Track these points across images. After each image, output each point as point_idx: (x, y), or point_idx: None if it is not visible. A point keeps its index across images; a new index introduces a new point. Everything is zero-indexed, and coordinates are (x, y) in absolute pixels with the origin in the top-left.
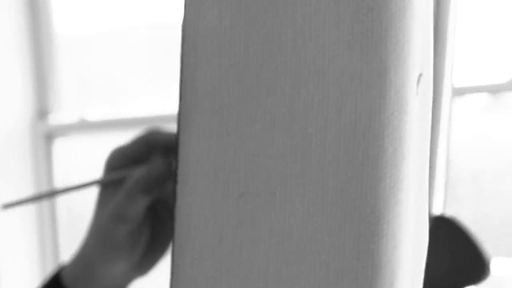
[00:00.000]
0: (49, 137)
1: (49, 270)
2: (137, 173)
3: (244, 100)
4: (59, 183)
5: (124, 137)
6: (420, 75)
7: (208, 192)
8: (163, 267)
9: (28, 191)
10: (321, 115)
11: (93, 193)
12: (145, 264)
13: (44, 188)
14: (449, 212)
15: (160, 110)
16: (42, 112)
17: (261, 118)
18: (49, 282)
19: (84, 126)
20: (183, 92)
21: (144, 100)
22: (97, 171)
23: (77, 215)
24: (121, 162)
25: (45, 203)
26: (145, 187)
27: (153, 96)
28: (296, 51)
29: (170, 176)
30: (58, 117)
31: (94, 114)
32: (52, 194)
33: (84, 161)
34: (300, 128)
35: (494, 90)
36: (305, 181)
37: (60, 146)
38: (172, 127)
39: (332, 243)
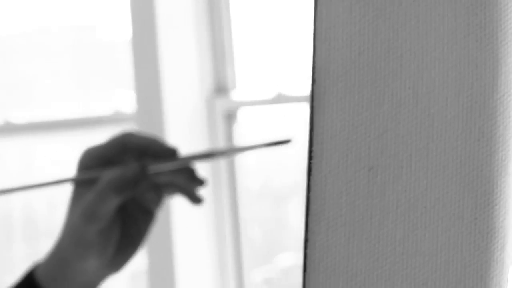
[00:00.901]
0: None
1: None
2: (110, 173)
3: (373, 83)
4: None
5: (49, 140)
6: None
7: (341, 166)
8: None
9: None
10: (442, 96)
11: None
12: (117, 261)
13: None
14: None
15: (84, 112)
16: None
17: (389, 99)
18: (24, 279)
19: (8, 129)
20: (316, 76)
21: (69, 103)
22: (22, 174)
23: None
24: (93, 161)
25: None
26: (118, 188)
27: (77, 98)
28: (419, 39)
29: (143, 178)
30: None
31: (18, 117)
32: (5, 192)
33: (8, 163)
34: (424, 108)
35: None
36: (428, 155)
37: None
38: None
39: (452, 211)
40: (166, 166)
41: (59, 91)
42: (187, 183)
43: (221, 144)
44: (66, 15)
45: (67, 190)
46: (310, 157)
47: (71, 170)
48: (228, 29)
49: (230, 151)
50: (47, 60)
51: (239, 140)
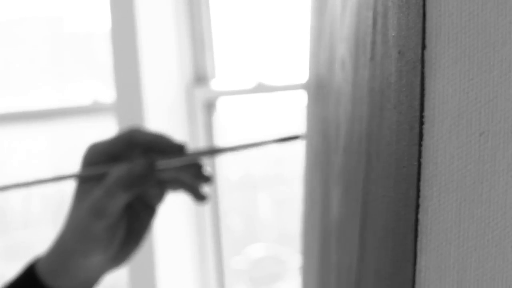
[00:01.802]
0: None
1: None
2: (119, 169)
3: (483, 48)
4: None
5: (25, 130)
6: None
7: (452, 131)
8: None
9: None
10: None
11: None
12: (120, 257)
13: None
14: None
15: (62, 103)
16: None
17: (499, 64)
18: (24, 274)
19: None
20: (427, 42)
21: (47, 93)
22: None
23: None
24: (98, 157)
25: None
26: (126, 184)
27: (55, 89)
28: None
29: (151, 174)
30: None
31: None
32: (4, 188)
33: None
34: None
35: None
36: None
37: None
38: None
39: None
40: (173, 162)
41: (36, 81)
42: (193, 179)
43: (200, 134)
44: (44, 5)
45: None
46: (421, 123)
47: (49, 161)
48: (207, 18)
49: (238, 147)
50: (24, 51)
51: (219, 130)
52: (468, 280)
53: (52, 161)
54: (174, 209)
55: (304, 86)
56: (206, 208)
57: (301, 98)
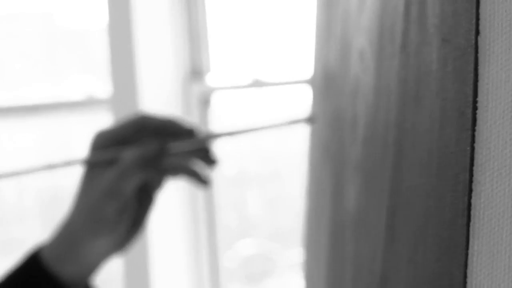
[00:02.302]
0: None
1: None
2: (131, 152)
3: None
4: None
5: (20, 125)
6: None
7: (505, 117)
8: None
9: None
10: None
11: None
12: (124, 242)
13: None
14: None
15: (57, 97)
16: None
17: None
18: (25, 262)
19: None
20: (481, 28)
21: (42, 88)
22: None
23: None
24: (107, 143)
25: None
26: (141, 165)
27: (51, 84)
28: None
29: (164, 156)
30: None
31: None
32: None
33: None
34: None
35: None
36: None
37: None
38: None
39: None
40: (184, 145)
41: (30, 76)
42: (201, 163)
43: None
44: (36, 1)
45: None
46: (474, 108)
47: (44, 156)
48: (203, 13)
49: (250, 130)
50: (18, 47)
51: (214, 125)
52: None
53: (47, 155)
54: (169, 204)
55: (310, 79)
56: (201, 203)
57: (298, 93)
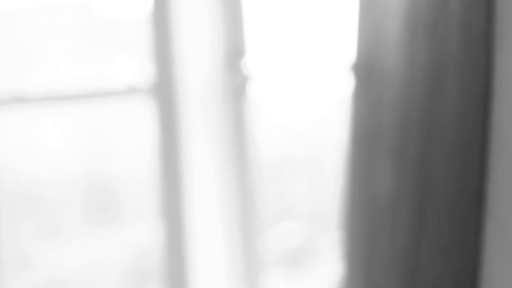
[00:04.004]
0: None
1: None
2: None
3: None
4: None
5: (60, 112)
6: None
7: None
8: None
9: None
10: None
11: None
12: None
13: None
14: None
15: (100, 86)
16: None
17: None
18: None
19: (18, 101)
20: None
21: (76, 76)
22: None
23: None
24: None
25: None
26: None
27: (93, 73)
28: None
29: None
30: None
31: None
32: None
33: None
34: None
35: None
36: None
37: None
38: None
39: None
40: None
41: (71, 65)
42: None
43: (231, 117)
44: None
45: None
46: (489, 94)
47: (87, 143)
48: (240, 4)
49: None
50: (60, 35)
51: (251, 113)
52: None
53: (89, 143)
54: (207, 186)
55: (351, 67)
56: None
57: (336, 81)
